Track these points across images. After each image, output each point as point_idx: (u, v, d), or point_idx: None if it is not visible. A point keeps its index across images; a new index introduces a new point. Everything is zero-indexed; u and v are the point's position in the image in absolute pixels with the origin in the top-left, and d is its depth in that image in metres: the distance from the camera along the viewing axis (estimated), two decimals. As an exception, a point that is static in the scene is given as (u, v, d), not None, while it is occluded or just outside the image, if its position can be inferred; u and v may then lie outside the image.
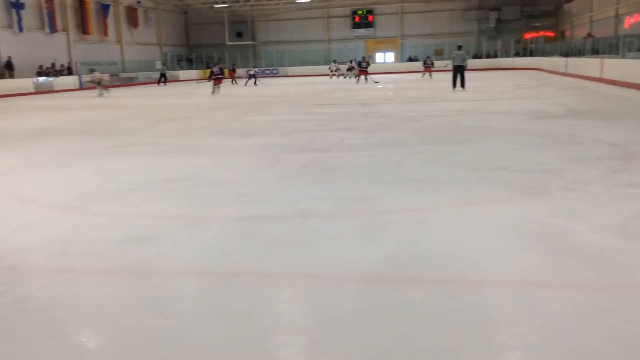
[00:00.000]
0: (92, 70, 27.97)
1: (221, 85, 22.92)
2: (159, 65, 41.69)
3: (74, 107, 18.21)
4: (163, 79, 35.71)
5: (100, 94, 23.63)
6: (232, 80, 34.57)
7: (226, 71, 35.11)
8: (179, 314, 2.82)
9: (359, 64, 29.38)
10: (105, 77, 25.06)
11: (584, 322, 2.56)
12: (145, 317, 2.78)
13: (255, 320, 2.72)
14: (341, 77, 34.44)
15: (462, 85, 18.94)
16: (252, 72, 32.81)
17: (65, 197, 5.37)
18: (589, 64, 22.59)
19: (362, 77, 28.39)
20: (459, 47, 19.47)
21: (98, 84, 24.42)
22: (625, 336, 2.44)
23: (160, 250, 3.76)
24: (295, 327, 2.68)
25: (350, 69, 32.71)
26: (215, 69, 23.03)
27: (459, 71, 18.92)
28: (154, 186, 5.75)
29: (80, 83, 30.78)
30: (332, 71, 35.57)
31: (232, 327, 2.66)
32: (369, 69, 28.97)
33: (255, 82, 31.71)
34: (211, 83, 22.67)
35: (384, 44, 45.74)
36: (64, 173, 6.80)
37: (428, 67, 30.93)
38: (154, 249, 3.80)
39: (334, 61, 37.37)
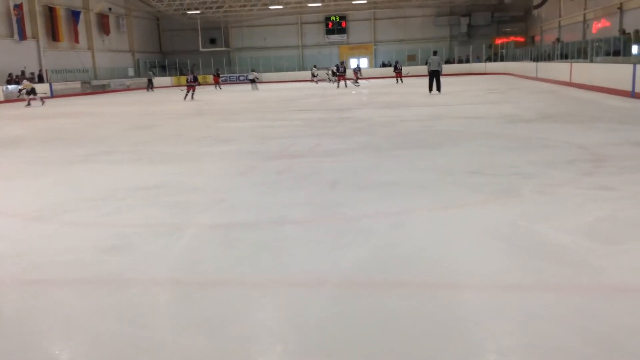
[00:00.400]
0: (21, 80, 26.79)
1: (193, 92, 23.54)
2: (131, 72, 41.43)
3: (44, 115, 17.92)
4: (151, 85, 36.04)
5: (43, 103, 22.75)
6: (216, 86, 34.73)
7: (202, 77, 35.38)
8: (154, 324, 2.78)
9: (337, 69, 29.92)
10: (36, 86, 23.88)
11: (558, 323, 2.60)
12: (120, 328, 2.74)
13: (232, 328, 2.70)
14: (321, 83, 34.89)
15: (438, 89, 19.61)
16: (251, 77, 33.13)
17: (36, 207, 5.27)
18: (558, 69, 23.01)
19: (342, 82, 29.02)
20: (434, 53, 20.13)
21: (29, 94, 22.78)
22: (598, 336, 2.48)
23: (134, 260, 3.71)
24: (272, 335, 2.67)
25: (334, 74, 32.87)
26: (189, 77, 23.94)
27: (434, 75, 19.67)
28: (127, 194, 5.67)
29: (52, 91, 30.33)
30: (314, 76, 36.12)
31: (208, 336, 2.63)
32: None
33: (256, 86, 32.21)
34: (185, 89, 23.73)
35: (358, 49, 46.00)
36: (34, 182, 6.68)
37: (399, 73, 31.40)
38: (128, 258, 3.75)
39: (315, 66, 37.82)
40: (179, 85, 42.14)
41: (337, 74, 29.47)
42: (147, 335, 2.66)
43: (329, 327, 2.67)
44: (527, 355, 2.36)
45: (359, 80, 32.15)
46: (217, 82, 35.70)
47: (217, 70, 38.60)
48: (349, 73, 33.34)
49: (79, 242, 4.15)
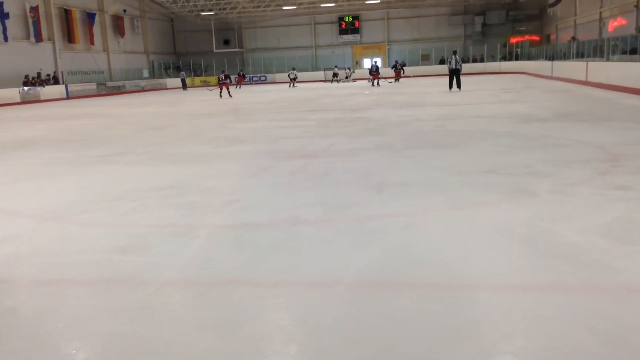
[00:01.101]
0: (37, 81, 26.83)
1: (228, 89, 25.76)
2: (146, 73, 41.82)
3: (60, 117, 18.11)
4: (184, 85, 38.42)
5: None
6: (237, 86, 35.28)
7: (215, 78, 36.22)
8: (168, 324, 2.80)
9: (371, 68, 30.99)
10: (52, 87, 23.45)
11: (572, 324, 2.57)
12: (134, 328, 2.76)
13: (245, 329, 2.70)
14: (342, 82, 35.83)
15: (458, 86, 20.98)
16: (292, 76, 35.07)
17: (51, 208, 5.33)
18: (574, 67, 22.81)
19: (376, 80, 29.98)
20: (454, 52, 21.30)
21: None
22: (612, 338, 2.45)
23: (148, 260, 3.74)
24: (284, 335, 2.67)
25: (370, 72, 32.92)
26: (221, 76, 26.03)
27: (454, 74, 21.03)
28: (141, 195, 5.71)
29: (67, 92, 30.64)
30: (335, 75, 37.39)
31: (221, 336, 2.64)
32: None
33: (293, 84, 34.11)
34: (218, 88, 26.01)
35: (371, 49, 45.94)
36: (49, 183, 6.75)
37: (398, 72, 31.66)
38: (142, 258, 3.78)
39: (336, 67, 38.76)
40: (192, 86, 42.45)
41: (372, 73, 30.17)
42: (161, 336, 2.67)
43: (341, 328, 2.67)
44: (541, 356, 2.34)
45: (401, 79, 32.48)
46: (240, 83, 36.40)
47: (242, 71, 39.39)
48: (385, 72, 33.86)
49: (94, 242, 4.18)
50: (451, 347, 2.45)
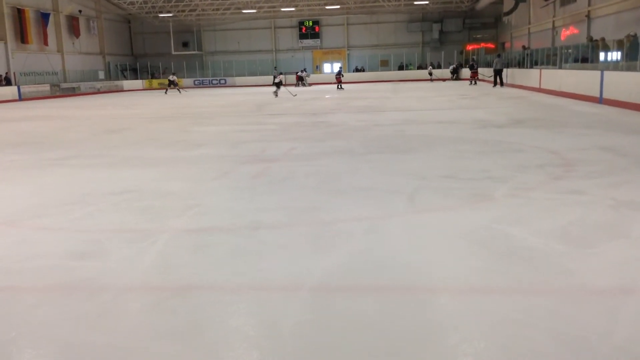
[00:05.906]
0: None
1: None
2: (102, 75, 40.94)
3: (13, 119, 17.56)
4: (279, 84, 39.82)
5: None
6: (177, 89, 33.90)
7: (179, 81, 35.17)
8: (127, 332, 2.73)
9: (472, 66, 30.96)
10: (4, 89, 22.97)
11: (532, 327, 2.62)
12: (91, 336, 2.69)
13: (206, 335, 2.66)
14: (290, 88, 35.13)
15: (502, 84, 25.70)
16: (302, 75, 36.78)
17: (4, 212, 5.15)
18: (528, 75, 23.40)
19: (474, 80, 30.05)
20: (499, 56, 26.86)
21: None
22: (571, 339, 2.51)
23: (106, 266, 3.65)
24: (246, 341, 2.64)
25: (472, 68, 31.33)
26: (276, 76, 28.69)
27: (498, 74, 25.83)
28: (98, 199, 5.58)
29: (20, 94, 29.77)
30: (301, 79, 37.26)
31: (182, 343, 2.59)
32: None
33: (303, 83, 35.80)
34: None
35: (331, 54, 46.14)
36: (3, 187, 6.53)
37: (475, 73, 30.51)
38: (99, 264, 3.68)
39: (304, 70, 39.05)
40: (150, 88, 41.78)
41: (472, 71, 30.52)
42: (120, 344, 2.61)
43: (304, 333, 2.66)
44: (501, 359, 2.38)
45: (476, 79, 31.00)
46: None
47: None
48: (466, 72, 33.33)
49: (49, 247, 4.06)
50: (414, 350, 2.46)
